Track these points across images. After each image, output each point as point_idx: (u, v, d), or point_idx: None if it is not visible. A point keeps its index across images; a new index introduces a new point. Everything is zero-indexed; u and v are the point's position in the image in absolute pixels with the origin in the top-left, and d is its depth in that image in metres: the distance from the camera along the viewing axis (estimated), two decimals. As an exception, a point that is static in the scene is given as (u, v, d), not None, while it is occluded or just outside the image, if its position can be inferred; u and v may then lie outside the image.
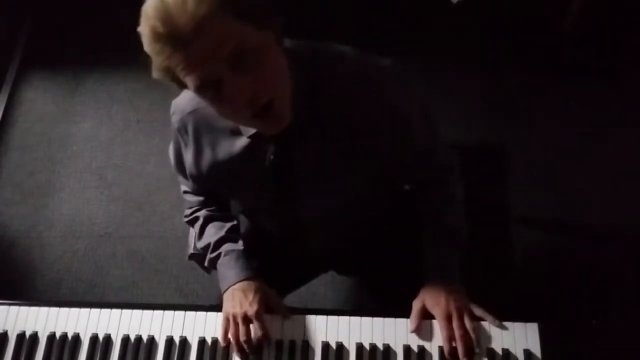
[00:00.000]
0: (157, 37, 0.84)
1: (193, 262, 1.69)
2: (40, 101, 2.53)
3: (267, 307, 1.19)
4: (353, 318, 1.19)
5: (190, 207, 1.34)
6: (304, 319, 1.19)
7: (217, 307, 1.24)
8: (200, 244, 1.30)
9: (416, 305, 1.17)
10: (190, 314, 1.21)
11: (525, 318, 1.17)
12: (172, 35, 0.83)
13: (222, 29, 0.84)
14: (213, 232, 1.28)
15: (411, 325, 1.16)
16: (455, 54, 2.42)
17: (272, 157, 1.07)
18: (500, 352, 1.13)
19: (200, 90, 0.90)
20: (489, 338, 1.15)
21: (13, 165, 2.39)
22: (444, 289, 1.16)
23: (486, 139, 1.86)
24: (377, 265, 1.38)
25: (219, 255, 1.25)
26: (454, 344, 1.11)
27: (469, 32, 2.47)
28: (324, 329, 1.18)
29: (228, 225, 1.28)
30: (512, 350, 1.13)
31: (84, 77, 2.56)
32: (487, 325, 1.16)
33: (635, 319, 1.84)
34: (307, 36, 1.05)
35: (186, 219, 1.35)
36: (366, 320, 1.18)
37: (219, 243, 1.26)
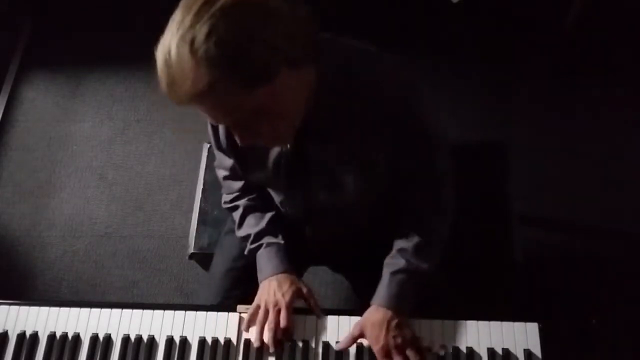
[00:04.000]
0: (163, 90, 0.86)
1: (193, 262, 1.71)
2: (41, 101, 2.53)
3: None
4: (353, 318, 1.19)
5: (230, 193, 1.35)
6: (304, 319, 1.20)
7: (217, 307, 1.24)
8: (240, 233, 1.32)
9: (355, 330, 1.16)
10: (190, 314, 1.22)
11: (525, 318, 1.17)
12: (173, 97, 0.85)
13: (221, 102, 0.85)
14: (253, 223, 1.29)
15: (339, 346, 1.16)
16: (455, 54, 2.42)
17: (288, 147, 1.08)
18: (500, 352, 1.14)
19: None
20: (488, 338, 1.15)
21: (13, 165, 2.39)
22: (387, 323, 1.13)
23: (486, 139, 1.86)
24: (370, 266, 1.38)
25: (259, 247, 1.27)
26: None
27: (469, 32, 2.47)
28: (324, 329, 1.19)
29: (268, 216, 1.30)
30: (512, 350, 1.14)
31: (84, 77, 2.56)
32: (488, 325, 1.16)
33: (635, 319, 1.84)
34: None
35: (226, 206, 1.36)
36: (366, 320, 1.18)
37: (260, 235, 1.28)
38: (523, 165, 1.92)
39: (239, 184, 1.32)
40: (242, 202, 1.32)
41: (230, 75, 0.81)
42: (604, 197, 2.08)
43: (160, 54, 0.83)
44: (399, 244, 1.20)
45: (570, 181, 2.13)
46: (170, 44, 0.81)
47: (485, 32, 2.46)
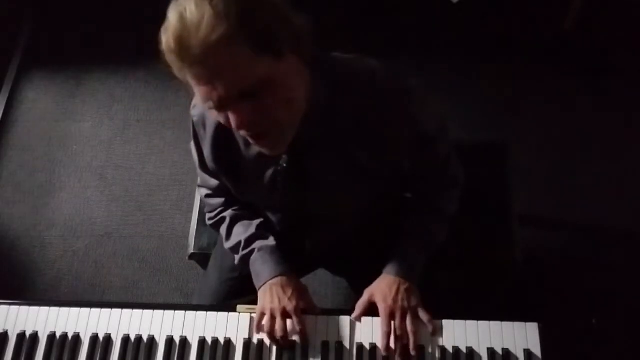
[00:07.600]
0: (170, 50, 0.86)
1: (193, 262, 1.71)
2: (41, 101, 2.53)
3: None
4: (353, 318, 1.19)
5: (213, 210, 1.33)
6: (304, 319, 1.19)
7: (217, 307, 1.24)
8: (229, 244, 1.30)
9: (365, 295, 1.20)
10: (190, 314, 1.22)
11: (525, 318, 1.17)
12: (182, 53, 0.85)
13: (232, 59, 0.84)
14: (242, 230, 1.28)
15: (354, 314, 1.19)
16: (455, 54, 2.42)
17: (284, 165, 1.09)
18: (500, 352, 1.14)
19: (204, 101, 0.91)
20: (488, 338, 1.15)
21: (13, 165, 2.39)
22: (397, 286, 1.18)
23: (486, 138, 1.86)
24: (368, 267, 1.39)
25: (251, 252, 1.26)
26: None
27: (469, 32, 2.47)
28: (324, 329, 1.19)
29: (256, 222, 1.29)
30: (512, 350, 1.14)
31: (84, 77, 2.56)
32: (488, 325, 1.16)
33: (636, 319, 1.84)
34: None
35: (210, 222, 1.35)
36: (366, 320, 1.19)
37: (250, 240, 1.27)
38: (523, 165, 1.92)
39: (220, 200, 1.32)
40: (228, 213, 1.30)
41: (243, 33, 0.83)
42: (604, 197, 2.08)
43: (174, 11, 0.85)
44: (409, 218, 1.25)
45: (570, 181, 2.13)
46: (187, 2, 0.84)
47: (485, 32, 2.46)
